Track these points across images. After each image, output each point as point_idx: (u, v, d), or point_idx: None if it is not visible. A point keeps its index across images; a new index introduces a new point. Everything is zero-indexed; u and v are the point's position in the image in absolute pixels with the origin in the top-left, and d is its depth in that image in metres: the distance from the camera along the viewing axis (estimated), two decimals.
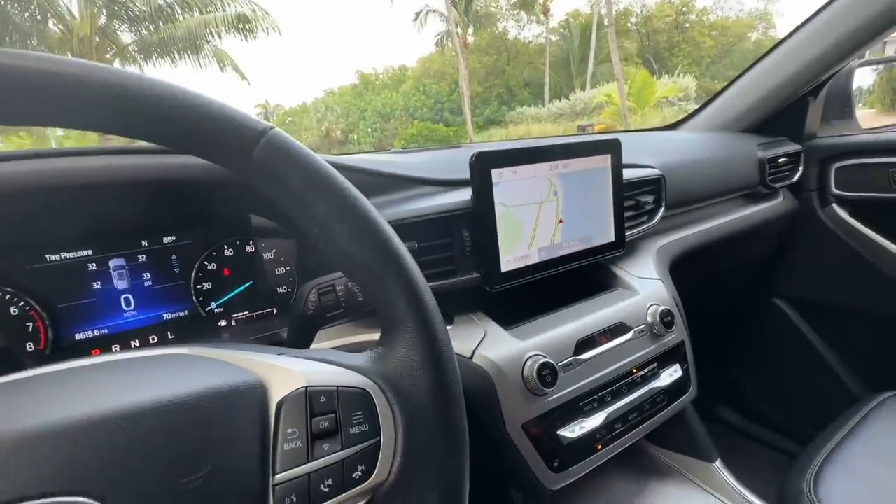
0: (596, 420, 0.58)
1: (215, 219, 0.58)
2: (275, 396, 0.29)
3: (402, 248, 0.32)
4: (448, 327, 0.62)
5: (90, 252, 0.52)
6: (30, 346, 0.49)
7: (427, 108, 27.65)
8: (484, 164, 0.57)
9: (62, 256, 0.51)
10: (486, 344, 0.57)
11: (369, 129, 27.99)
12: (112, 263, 0.53)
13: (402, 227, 0.56)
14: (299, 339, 0.46)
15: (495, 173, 0.58)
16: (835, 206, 1.16)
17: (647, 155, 0.89)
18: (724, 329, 1.42)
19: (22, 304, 0.49)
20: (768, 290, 1.31)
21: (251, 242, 0.60)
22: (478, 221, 0.59)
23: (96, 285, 0.53)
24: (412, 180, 0.63)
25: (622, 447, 0.62)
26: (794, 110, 1.17)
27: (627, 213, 0.77)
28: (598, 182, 0.69)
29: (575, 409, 0.58)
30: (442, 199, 0.61)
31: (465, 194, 0.61)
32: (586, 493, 0.69)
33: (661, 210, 0.84)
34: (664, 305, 0.69)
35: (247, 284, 0.60)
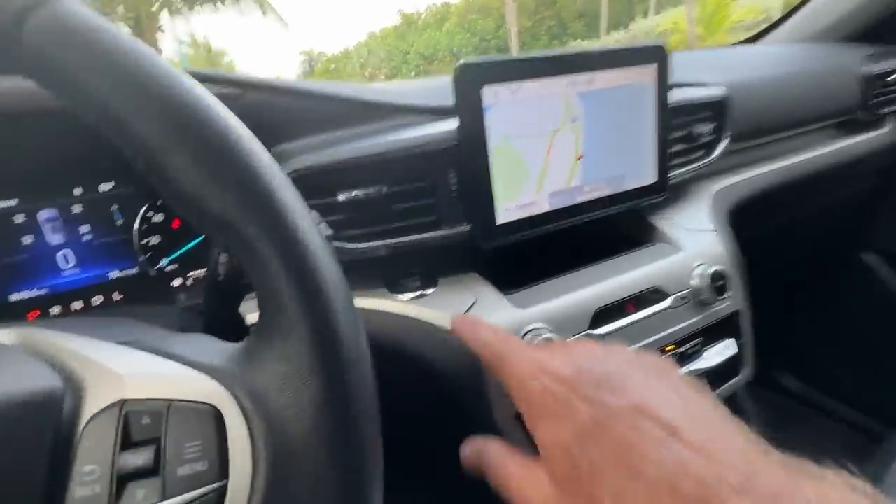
0: None
1: None
2: (86, 412, 0.19)
3: (278, 182, 0.21)
4: (429, 291, 0.51)
5: (15, 202, 0.45)
6: None
7: (472, 46, 26.17)
8: (472, 80, 0.43)
9: None
10: (475, 312, 0.46)
11: (412, 73, 27.07)
12: (42, 215, 0.47)
13: (366, 167, 0.44)
14: (217, 313, 0.37)
15: (488, 92, 0.43)
16: None
17: (709, 70, 0.69)
18: (793, 288, 1.21)
19: None
20: (856, 242, 1.09)
21: None
22: (464, 157, 0.45)
23: (27, 240, 0.46)
24: (390, 108, 0.50)
25: None
26: None
27: (676, 147, 0.60)
28: (636, 104, 0.52)
29: None
30: (424, 130, 0.48)
31: (453, 124, 0.47)
32: None
33: (724, 142, 0.65)
34: (717, 265, 0.53)
35: (200, 238, 0.52)
